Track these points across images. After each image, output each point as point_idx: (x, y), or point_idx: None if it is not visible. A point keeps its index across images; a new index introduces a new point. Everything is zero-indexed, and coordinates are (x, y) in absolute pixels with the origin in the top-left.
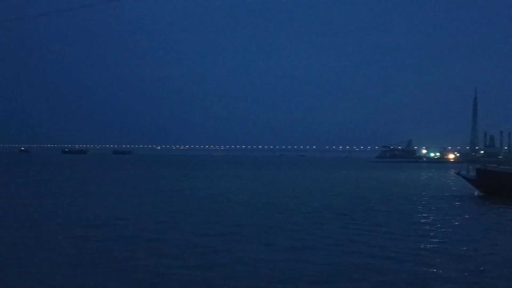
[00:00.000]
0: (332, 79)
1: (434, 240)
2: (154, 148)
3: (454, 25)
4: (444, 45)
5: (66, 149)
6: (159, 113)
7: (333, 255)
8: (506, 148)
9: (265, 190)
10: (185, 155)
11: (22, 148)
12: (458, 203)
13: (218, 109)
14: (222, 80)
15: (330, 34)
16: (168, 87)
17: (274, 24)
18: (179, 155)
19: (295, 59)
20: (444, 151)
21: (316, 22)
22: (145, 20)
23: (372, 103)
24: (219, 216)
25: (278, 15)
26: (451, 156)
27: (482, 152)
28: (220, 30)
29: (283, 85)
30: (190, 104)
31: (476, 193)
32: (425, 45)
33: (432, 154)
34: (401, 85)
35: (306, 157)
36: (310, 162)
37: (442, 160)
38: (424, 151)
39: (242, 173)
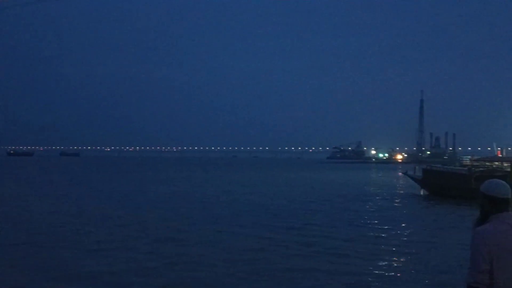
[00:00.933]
0: (285, 80)
1: (383, 240)
2: (103, 150)
3: (401, 28)
4: (392, 48)
5: (11, 151)
6: (108, 114)
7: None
8: (450, 149)
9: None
10: (136, 157)
11: None
12: (405, 202)
13: (170, 110)
14: (173, 80)
15: (281, 37)
16: (117, 87)
17: (223, 26)
18: (129, 157)
19: (247, 60)
20: (392, 152)
21: (267, 25)
22: (96, 17)
23: (323, 105)
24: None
25: (226, 17)
26: (399, 156)
27: (428, 153)
28: (168, 30)
29: (236, 86)
30: (140, 105)
31: (422, 192)
32: (373, 47)
33: (381, 155)
34: (351, 87)
35: (259, 158)
36: (264, 163)
37: (391, 161)
38: (373, 152)
39: (195, 174)
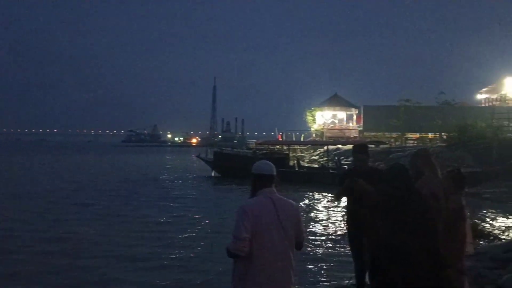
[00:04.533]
0: (79, 61)
1: (168, 221)
2: None
3: (198, 17)
4: (189, 36)
5: None
6: None
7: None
8: (240, 133)
9: None
10: None
11: None
12: (196, 183)
13: None
14: None
15: (84, 14)
16: None
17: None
18: None
19: (36, 37)
20: (187, 136)
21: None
22: None
23: (117, 87)
24: None
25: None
26: (194, 140)
27: (220, 137)
28: None
29: (22, 63)
30: None
31: (213, 174)
32: (171, 35)
33: (176, 139)
34: (147, 70)
35: (47, 141)
36: (52, 146)
37: (186, 144)
38: (169, 136)
39: None
